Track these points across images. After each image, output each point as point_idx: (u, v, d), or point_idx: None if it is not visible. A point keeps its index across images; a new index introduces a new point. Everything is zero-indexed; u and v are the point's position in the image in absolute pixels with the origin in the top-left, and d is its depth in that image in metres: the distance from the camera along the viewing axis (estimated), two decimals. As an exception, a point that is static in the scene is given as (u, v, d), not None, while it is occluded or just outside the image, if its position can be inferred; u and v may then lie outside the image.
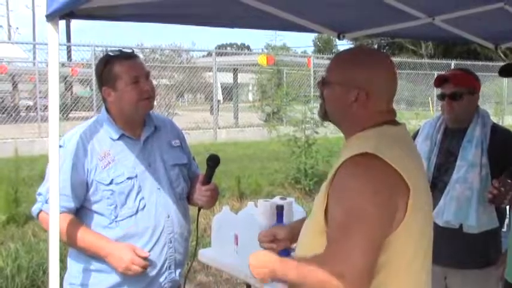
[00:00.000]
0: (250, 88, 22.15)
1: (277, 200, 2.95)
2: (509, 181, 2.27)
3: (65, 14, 1.88)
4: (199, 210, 2.32)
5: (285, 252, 2.39)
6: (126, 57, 2.16)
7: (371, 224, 1.43)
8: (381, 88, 1.62)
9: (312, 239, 1.61)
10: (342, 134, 1.73)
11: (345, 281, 1.37)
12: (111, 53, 2.18)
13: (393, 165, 1.47)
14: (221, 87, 18.73)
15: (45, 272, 4.28)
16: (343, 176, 1.51)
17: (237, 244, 2.78)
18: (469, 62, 20.66)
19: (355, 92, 1.59)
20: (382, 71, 1.64)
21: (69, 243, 2.15)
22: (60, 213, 2.04)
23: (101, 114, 2.24)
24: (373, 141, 1.54)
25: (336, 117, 1.69)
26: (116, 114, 2.20)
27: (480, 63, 20.74)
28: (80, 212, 2.18)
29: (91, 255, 2.15)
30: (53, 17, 1.81)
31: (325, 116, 1.71)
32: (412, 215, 1.49)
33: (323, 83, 1.68)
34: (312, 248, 1.58)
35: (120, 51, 2.19)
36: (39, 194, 2.17)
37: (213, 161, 2.28)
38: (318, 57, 20.15)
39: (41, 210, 2.16)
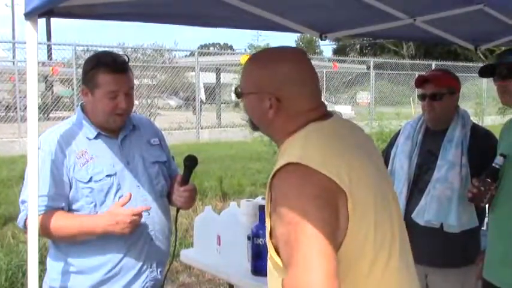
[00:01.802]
0: (233, 88, 22.15)
1: (259, 200, 2.95)
2: (488, 180, 2.29)
3: (43, 12, 1.85)
4: (178, 210, 2.31)
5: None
6: (114, 69, 2.09)
7: (318, 226, 1.30)
8: (291, 88, 1.49)
9: (271, 261, 1.48)
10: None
11: None
12: (102, 58, 2.13)
13: (322, 170, 1.35)
14: (204, 87, 18.68)
15: (25, 274, 4.22)
16: (275, 192, 1.39)
17: (219, 244, 2.77)
18: (449, 63, 20.94)
19: (267, 98, 1.48)
20: (288, 70, 1.50)
21: (59, 236, 2.10)
22: (46, 212, 2.03)
23: (77, 114, 2.20)
24: (297, 148, 1.42)
25: (260, 127, 1.58)
26: (90, 114, 2.17)
27: (460, 64, 21.03)
28: None
29: (70, 254, 2.12)
30: (31, 15, 1.78)
31: (254, 127, 1.61)
32: (356, 218, 1.37)
33: (239, 96, 1.58)
34: (273, 270, 1.47)
35: (114, 59, 2.12)
36: (23, 202, 2.10)
37: (190, 161, 2.25)
38: (300, 58, 20.16)
39: (28, 217, 2.08)
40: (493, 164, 2.29)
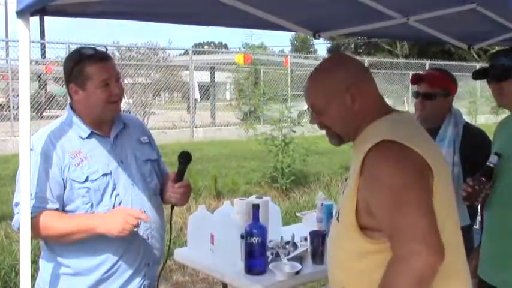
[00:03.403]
0: (228, 87, 22.12)
1: (253, 199, 2.95)
2: (483, 179, 2.28)
3: (36, 10, 1.84)
4: (172, 208, 2.30)
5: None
6: (99, 58, 2.11)
7: (418, 191, 1.47)
8: (364, 76, 1.68)
9: (345, 240, 1.62)
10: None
11: (425, 255, 1.41)
12: (83, 51, 2.13)
13: (412, 147, 1.51)
14: (198, 86, 18.64)
15: (18, 273, 4.20)
16: (371, 167, 1.53)
17: (213, 243, 2.77)
18: (443, 62, 20.99)
19: (347, 94, 1.63)
20: (354, 64, 1.70)
21: (53, 236, 2.06)
22: (39, 213, 2.00)
23: (67, 114, 2.18)
24: (388, 128, 1.59)
25: (348, 129, 1.69)
26: (82, 112, 2.15)
27: (454, 63, 21.08)
28: None
29: (65, 255, 2.11)
30: (23, 13, 1.78)
31: (339, 140, 1.72)
32: (438, 194, 1.52)
33: (318, 116, 1.70)
34: (348, 248, 1.60)
35: (94, 49, 2.14)
36: (17, 205, 2.05)
37: (185, 158, 2.25)
38: (295, 57, 20.24)
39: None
40: (488, 163, 2.29)
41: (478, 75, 2.43)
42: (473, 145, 2.62)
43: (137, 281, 2.19)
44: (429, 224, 1.44)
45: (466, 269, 1.70)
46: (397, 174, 1.49)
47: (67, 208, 2.10)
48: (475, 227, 2.75)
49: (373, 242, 1.53)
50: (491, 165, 2.28)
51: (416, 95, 2.73)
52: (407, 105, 19.82)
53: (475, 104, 20.47)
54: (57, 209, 2.07)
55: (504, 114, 2.53)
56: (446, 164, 1.75)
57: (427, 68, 19.06)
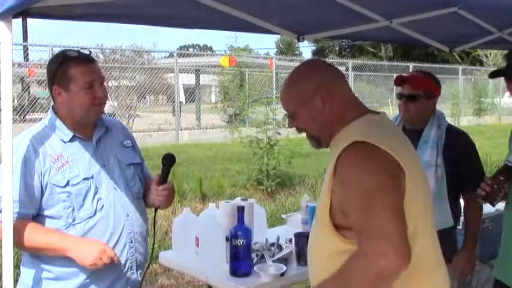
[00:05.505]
0: (213, 89, 22.09)
1: (238, 201, 2.95)
2: (501, 178, 2.25)
3: (18, 12, 1.82)
4: (155, 210, 2.30)
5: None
6: (84, 60, 2.10)
7: (389, 193, 1.48)
8: (334, 80, 1.70)
9: (323, 239, 1.64)
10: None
11: (390, 257, 1.41)
12: (68, 53, 2.12)
13: (384, 148, 1.52)
14: (183, 88, 18.60)
15: (0, 278, 4.15)
16: (343, 168, 1.55)
17: (198, 246, 2.76)
18: (426, 65, 21.18)
19: (316, 97, 1.66)
20: (323, 69, 1.74)
21: (29, 247, 2.04)
22: (17, 219, 1.96)
23: (49, 117, 2.16)
24: (361, 129, 1.60)
25: (323, 132, 1.71)
26: (65, 115, 2.14)
27: (437, 65, 21.29)
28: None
29: (47, 260, 2.08)
30: (5, 15, 1.75)
31: (318, 143, 1.75)
32: (410, 194, 1.53)
33: (292, 120, 1.74)
34: (325, 247, 1.62)
35: (78, 52, 2.13)
36: None
37: (168, 160, 2.25)
38: (280, 59, 20.28)
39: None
40: (506, 162, 2.27)
41: (494, 74, 2.44)
42: (456, 146, 2.65)
43: (120, 285, 2.18)
44: (397, 227, 1.44)
45: (441, 269, 1.71)
46: (367, 176, 1.50)
47: (47, 213, 2.06)
48: (458, 227, 2.77)
49: (348, 242, 1.55)
50: (510, 164, 2.26)
51: (399, 96, 2.76)
52: (392, 107, 19.97)
53: (457, 106, 20.69)
54: (32, 215, 2.04)
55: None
56: (421, 164, 1.76)
57: (410, 70, 19.23)
